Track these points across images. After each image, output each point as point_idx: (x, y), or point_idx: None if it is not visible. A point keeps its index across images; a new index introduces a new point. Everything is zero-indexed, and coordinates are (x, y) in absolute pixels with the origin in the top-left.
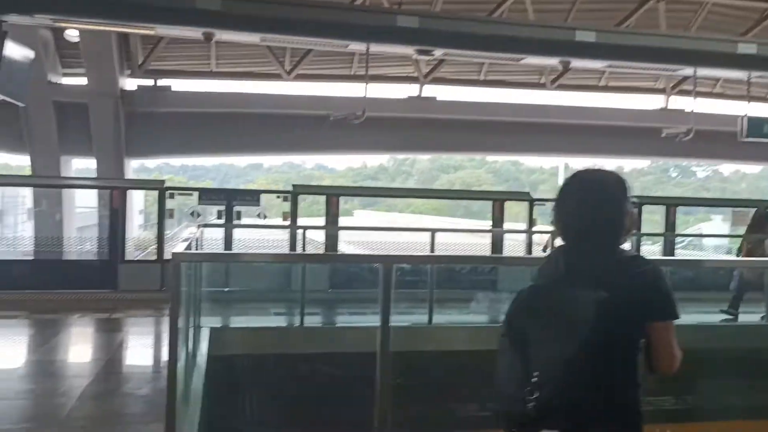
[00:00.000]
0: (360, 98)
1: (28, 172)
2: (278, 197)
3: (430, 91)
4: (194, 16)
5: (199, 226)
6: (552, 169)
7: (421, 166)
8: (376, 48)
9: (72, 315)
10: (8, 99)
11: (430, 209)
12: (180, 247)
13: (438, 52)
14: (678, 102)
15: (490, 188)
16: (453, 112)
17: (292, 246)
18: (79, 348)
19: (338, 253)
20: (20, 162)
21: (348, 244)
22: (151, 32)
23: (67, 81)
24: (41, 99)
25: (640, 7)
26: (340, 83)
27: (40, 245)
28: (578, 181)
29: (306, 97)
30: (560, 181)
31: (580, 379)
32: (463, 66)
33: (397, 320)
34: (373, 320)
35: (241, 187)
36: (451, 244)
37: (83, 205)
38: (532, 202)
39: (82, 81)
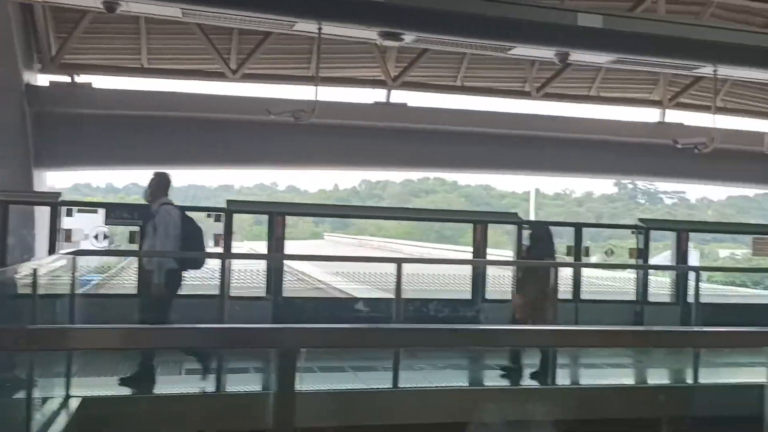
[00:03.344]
0: (318, 101)
1: None
2: (209, 216)
3: (401, 97)
4: None
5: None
6: (524, 194)
7: (392, 189)
8: (330, 29)
9: None
10: None
11: (402, 233)
12: None
13: (409, 37)
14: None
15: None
16: (426, 121)
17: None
18: None
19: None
20: None
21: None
22: None
23: None
24: None
25: (638, 6)
26: (298, 85)
27: None
28: None
29: (253, 99)
30: (532, 206)
31: None
32: (437, 69)
33: None
34: None
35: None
36: (423, 276)
37: None
38: (520, 225)
39: None
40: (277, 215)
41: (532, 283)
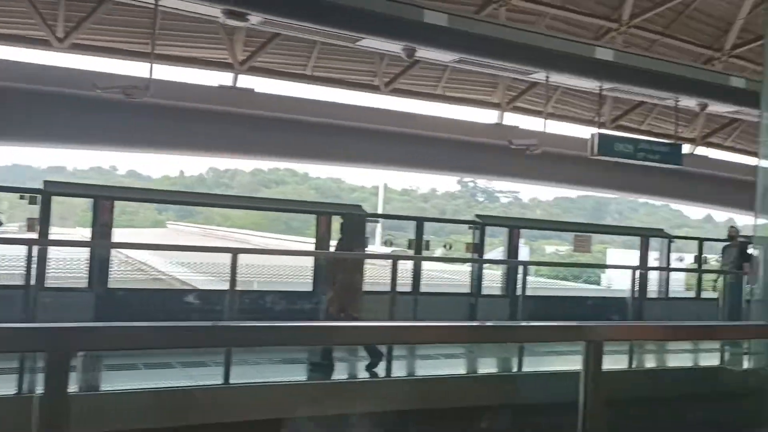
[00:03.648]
0: (153, 79)
1: None
2: (22, 197)
3: (248, 82)
4: None
5: None
6: (373, 188)
7: (241, 179)
8: (169, 2)
9: None
10: None
11: (250, 223)
12: None
13: (255, 19)
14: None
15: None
16: (274, 108)
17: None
18: None
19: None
20: None
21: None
22: None
23: None
24: None
25: (482, 10)
26: (134, 61)
27: None
28: None
29: (80, 72)
30: (380, 200)
31: None
32: (287, 56)
33: None
34: None
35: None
36: (266, 267)
37: None
38: (365, 217)
39: None
40: (102, 200)
41: (343, 276)
